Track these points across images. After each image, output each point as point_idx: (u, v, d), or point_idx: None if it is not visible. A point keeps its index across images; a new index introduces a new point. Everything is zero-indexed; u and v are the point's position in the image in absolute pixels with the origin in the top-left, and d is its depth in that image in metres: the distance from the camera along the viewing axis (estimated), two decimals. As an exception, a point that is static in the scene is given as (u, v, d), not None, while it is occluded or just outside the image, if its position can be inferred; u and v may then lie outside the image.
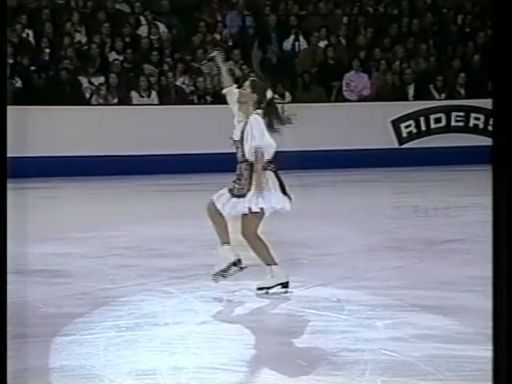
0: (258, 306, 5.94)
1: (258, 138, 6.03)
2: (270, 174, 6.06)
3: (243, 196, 6.02)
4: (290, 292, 6.09)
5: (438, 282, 6.31)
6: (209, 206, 6.19)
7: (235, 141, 6.18)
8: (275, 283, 6.04)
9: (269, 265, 6.07)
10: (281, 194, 6.06)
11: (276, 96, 6.30)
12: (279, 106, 6.30)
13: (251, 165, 6.07)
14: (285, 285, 6.05)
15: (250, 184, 6.02)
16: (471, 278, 6.35)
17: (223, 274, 6.13)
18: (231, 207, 6.08)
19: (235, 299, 6.06)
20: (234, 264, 6.13)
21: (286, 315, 5.72)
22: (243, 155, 6.11)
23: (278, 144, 6.21)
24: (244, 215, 6.05)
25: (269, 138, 6.11)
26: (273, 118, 6.16)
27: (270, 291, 6.04)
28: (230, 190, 6.08)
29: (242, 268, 6.12)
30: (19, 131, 12.78)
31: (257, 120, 6.12)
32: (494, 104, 2.00)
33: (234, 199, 6.07)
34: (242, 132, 6.13)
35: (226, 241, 6.14)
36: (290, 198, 6.11)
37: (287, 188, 6.14)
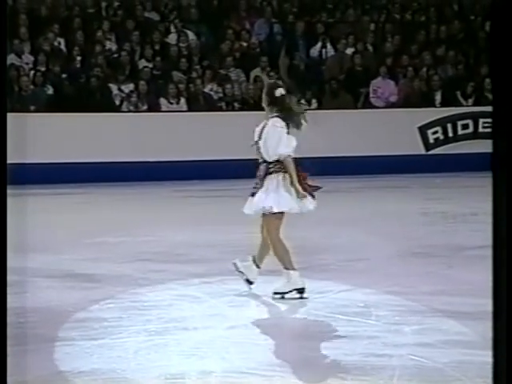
0: (286, 311, 5.92)
1: (276, 145, 6.04)
2: (286, 177, 6.03)
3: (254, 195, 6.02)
4: (317, 297, 6.07)
5: (467, 288, 6.25)
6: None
7: (256, 141, 6.20)
8: (291, 288, 6.00)
9: (287, 269, 6.05)
10: (287, 196, 6.01)
11: (286, 94, 6.24)
12: (296, 107, 6.26)
13: (267, 165, 6.04)
14: (301, 290, 5.99)
15: (262, 185, 6.02)
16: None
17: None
18: (249, 207, 6.08)
19: (262, 304, 6.05)
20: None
21: (313, 320, 5.69)
22: (260, 156, 6.14)
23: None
24: (264, 215, 6.01)
25: (286, 143, 6.08)
26: (287, 118, 6.12)
27: (286, 296, 6.01)
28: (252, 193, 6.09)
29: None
30: (48, 138, 12.88)
31: (274, 126, 6.11)
32: (493, 109, 1.99)
33: (251, 198, 6.08)
34: (260, 134, 6.15)
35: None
36: (313, 196, 6.07)
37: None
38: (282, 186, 5.99)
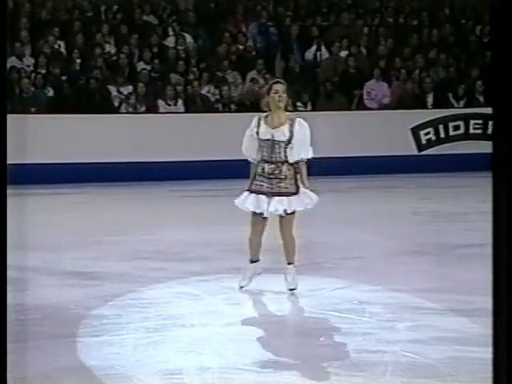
0: (281, 309, 5.92)
1: (307, 148, 6.03)
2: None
3: (288, 195, 5.96)
4: (312, 294, 6.07)
5: (458, 286, 6.26)
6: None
7: (279, 141, 6.00)
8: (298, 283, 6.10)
9: (290, 264, 6.08)
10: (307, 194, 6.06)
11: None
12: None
13: (292, 166, 5.98)
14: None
15: (297, 185, 5.98)
16: (490, 282, 6.30)
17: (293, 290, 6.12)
18: (274, 207, 6.00)
19: (258, 301, 6.05)
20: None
21: (308, 317, 5.69)
22: (285, 156, 6.03)
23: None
24: (282, 216, 6.03)
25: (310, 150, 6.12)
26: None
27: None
28: (268, 192, 6.00)
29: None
30: (49, 139, 12.86)
31: (305, 127, 6.06)
32: (493, 110, 1.97)
33: (276, 198, 5.99)
34: (291, 133, 5.99)
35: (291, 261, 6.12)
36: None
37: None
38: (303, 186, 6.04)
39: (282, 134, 6.03)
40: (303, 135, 6.05)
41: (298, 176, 6.06)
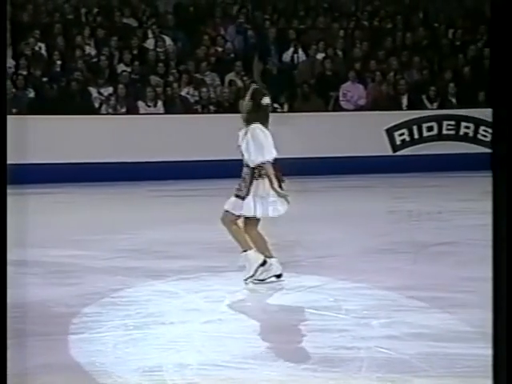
0: (259, 306, 5.93)
1: (257, 151, 6.09)
2: (266, 181, 6.11)
3: (242, 198, 6.10)
4: (289, 292, 6.08)
5: (432, 283, 6.29)
6: (223, 216, 6.24)
7: (238, 146, 6.23)
8: (272, 274, 6.24)
9: (267, 257, 6.21)
10: (273, 200, 6.13)
11: (273, 105, 6.41)
12: (269, 111, 6.39)
13: (252, 170, 6.12)
14: (278, 275, 6.28)
15: (249, 189, 6.10)
16: (463, 279, 6.34)
17: (253, 276, 6.25)
18: (235, 207, 6.19)
19: (237, 299, 6.05)
20: (261, 265, 6.26)
21: (286, 314, 5.70)
22: (245, 160, 6.19)
23: (279, 152, 6.25)
24: (246, 218, 6.16)
25: (269, 148, 6.14)
26: (266, 123, 6.23)
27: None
28: (236, 194, 6.19)
29: (264, 264, 6.21)
30: (30, 139, 12.79)
31: (255, 131, 6.16)
32: (493, 110, 1.96)
33: (236, 199, 6.18)
34: (243, 139, 6.18)
35: (247, 247, 6.20)
36: (287, 201, 6.16)
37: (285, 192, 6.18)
38: (268, 191, 6.10)
39: (241, 140, 6.25)
40: (248, 140, 6.15)
41: (267, 180, 6.13)
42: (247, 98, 6.29)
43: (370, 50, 15.33)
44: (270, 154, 6.14)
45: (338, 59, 15.15)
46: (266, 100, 6.24)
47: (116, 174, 12.82)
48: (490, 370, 1.99)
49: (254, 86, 6.79)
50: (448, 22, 16.16)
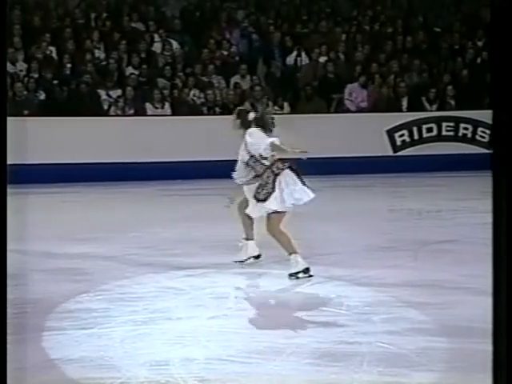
0: (263, 302, 5.92)
1: (260, 139, 6.24)
2: (287, 173, 6.28)
3: (265, 200, 6.24)
4: (292, 289, 6.07)
5: (431, 280, 6.28)
6: (240, 204, 6.44)
7: (251, 156, 6.41)
8: (300, 269, 6.31)
9: (291, 254, 6.31)
10: (301, 187, 6.26)
11: (269, 110, 6.69)
12: (270, 115, 6.65)
13: (269, 169, 6.27)
14: (306, 270, 6.34)
15: (273, 187, 6.24)
16: (462, 276, 6.33)
17: (242, 262, 6.59)
18: (258, 211, 6.39)
19: (242, 296, 6.04)
20: (255, 257, 6.62)
21: (289, 310, 5.69)
22: (261, 164, 6.30)
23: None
24: (268, 214, 6.28)
25: (268, 140, 6.31)
26: (266, 127, 6.44)
27: (299, 276, 6.30)
28: (255, 197, 6.29)
29: (310, 275, 6.29)
30: (41, 140, 12.79)
31: (251, 132, 6.44)
32: (493, 111, 1.94)
33: (260, 204, 6.34)
34: (247, 151, 6.45)
35: (251, 237, 6.43)
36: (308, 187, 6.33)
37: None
38: (291, 181, 6.23)
39: (242, 148, 6.61)
40: (250, 137, 6.46)
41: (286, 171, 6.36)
42: (234, 118, 6.58)
43: (371, 53, 15.31)
44: (273, 138, 6.32)
45: (339, 62, 15.13)
46: (251, 115, 6.49)
47: (125, 174, 12.81)
48: (489, 365, 1.98)
49: (238, 108, 7.10)
50: (447, 26, 16.14)
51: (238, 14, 15.75)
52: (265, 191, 6.25)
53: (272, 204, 6.23)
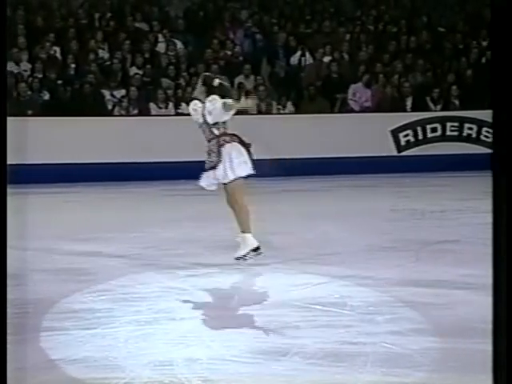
0: (266, 303, 5.92)
1: (216, 111, 6.53)
2: (236, 146, 6.38)
3: (214, 168, 6.31)
4: (295, 289, 6.07)
5: (433, 280, 6.27)
6: (227, 198, 6.47)
7: (204, 121, 6.55)
8: (248, 250, 6.37)
9: (243, 232, 6.26)
10: (244, 160, 6.33)
11: (225, 83, 6.82)
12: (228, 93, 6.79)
13: (216, 138, 6.37)
14: (255, 249, 6.40)
15: (219, 158, 6.32)
16: (464, 276, 6.32)
17: (244, 257, 6.51)
18: (206, 180, 6.59)
19: (244, 296, 6.04)
20: (255, 250, 6.48)
21: (293, 310, 5.69)
22: (210, 131, 6.34)
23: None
24: (224, 185, 6.34)
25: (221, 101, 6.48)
26: (226, 95, 6.66)
27: (246, 258, 6.38)
28: (204, 168, 6.37)
29: (259, 253, 6.31)
30: (43, 140, 12.80)
31: (212, 99, 6.62)
32: (493, 111, 1.94)
33: (209, 173, 6.52)
34: (203, 114, 6.59)
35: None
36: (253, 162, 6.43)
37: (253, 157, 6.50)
38: (235, 154, 6.30)
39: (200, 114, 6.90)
40: (211, 104, 6.68)
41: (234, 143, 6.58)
42: (199, 84, 6.67)
43: (375, 53, 15.30)
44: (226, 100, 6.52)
45: (343, 62, 15.12)
46: (216, 81, 6.60)
47: (128, 174, 12.82)
48: (490, 365, 1.98)
49: (203, 74, 7.26)
50: (451, 25, 16.12)
51: (242, 13, 15.74)
52: (209, 160, 6.39)
53: (220, 175, 6.33)
